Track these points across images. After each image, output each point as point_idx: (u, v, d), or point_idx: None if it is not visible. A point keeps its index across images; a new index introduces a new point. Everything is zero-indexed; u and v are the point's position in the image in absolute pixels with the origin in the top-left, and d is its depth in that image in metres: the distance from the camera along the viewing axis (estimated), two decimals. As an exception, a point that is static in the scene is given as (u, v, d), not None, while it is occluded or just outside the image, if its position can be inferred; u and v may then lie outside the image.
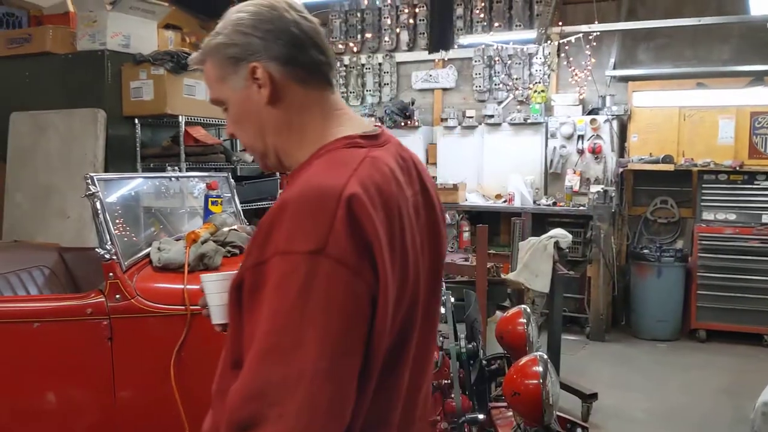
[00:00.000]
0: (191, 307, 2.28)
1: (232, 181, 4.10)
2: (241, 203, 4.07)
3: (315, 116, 1.29)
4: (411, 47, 8.74)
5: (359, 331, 1.08)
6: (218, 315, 1.63)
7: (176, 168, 4.46)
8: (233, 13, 1.29)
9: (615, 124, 7.39)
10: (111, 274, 2.81)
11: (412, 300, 1.21)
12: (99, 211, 2.89)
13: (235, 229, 2.89)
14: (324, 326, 1.04)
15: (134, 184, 3.66)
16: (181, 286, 2.76)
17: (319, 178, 1.14)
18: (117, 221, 3.01)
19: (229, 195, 3.93)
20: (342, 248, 1.06)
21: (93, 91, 4.66)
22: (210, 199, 3.56)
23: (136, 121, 4.65)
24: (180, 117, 4.59)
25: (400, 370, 1.23)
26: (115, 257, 2.84)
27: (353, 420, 1.09)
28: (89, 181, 2.93)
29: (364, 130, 1.29)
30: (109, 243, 2.84)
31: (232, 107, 1.31)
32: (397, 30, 8.73)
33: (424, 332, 1.31)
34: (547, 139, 7.65)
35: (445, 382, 2.72)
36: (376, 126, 1.35)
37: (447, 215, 7.58)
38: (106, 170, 4.40)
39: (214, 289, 1.66)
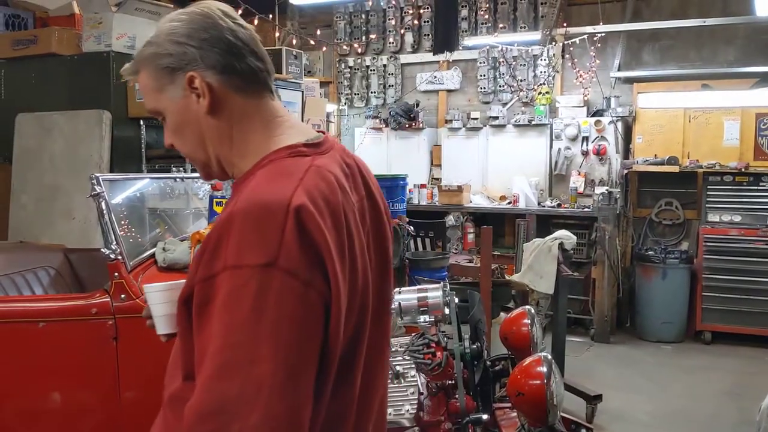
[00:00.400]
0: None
1: (236, 182, 4.10)
2: (245, 204, 4.06)
3: (256, 124, 1.28)
4: (415, 49, 8.75)
5: (314, 341, 1.08)
6: (163, 325, 1.61)
7: (181, 169, 4.47)
8: (166, 22, 1.27)
9: (620, 125, 7.39)
10: (116, 274, 2.82)
11: (361, 305, 1.21)
12: (104, 212, 2.91)
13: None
14: (279, 339, 1.04)
15: (139, 185, 3.67)
16: (186, 287, 2.76)
17: (265, 189, 1.13)
18: (122, 222, 3.03)
19: (234, 196, 3.93)
20: (293, 260, 1.06)
21: (98, 93, 4.67)
22: (215, 200, 3.57)
23: (141, 122, 4.65)
24: (185, 118, 4.60)
25: (352, 376, 1.24)
26: (120, 257, 2.85)
27: (310, 428, 1.09)
28: (94, 181, 2.94)
29: (307, 138, 1.28)
30: (115, 243, 2.85)
31: (171, 117, 1.29)
32: (402, 31, 8.73)
33: (376, 337, 1.32)
34: (551, 140, 7.65)
35: (449, 382, 2.72)
36: (319, 132, 1.34)
37: (451, 216, 7.59)
38: (111, 171, 4.41)
39: (159, 300, 1.63)
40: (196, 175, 4.30)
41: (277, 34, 7.83)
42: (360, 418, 1.29)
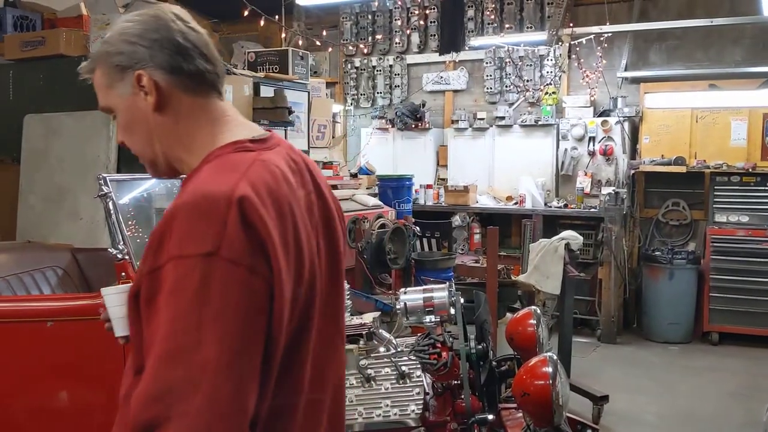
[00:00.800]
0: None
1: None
2: (252, 204, 4.07)
3: (202, 123, 1.32)
4: (422, 49, 8.75)
5: (257, 327, 1.11)
6: (121, 327, 1.61)
7: (188, 169, 4.48)
8: (121, 23, 1.32)
9: (626, 125, 7.37)
10: (123, 273, 2.84)
11: (308, 296, 1.25)
12: (111, 212, 2.92)
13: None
14: (222, 324, 1.06)
15: (146, 185, 3.68)
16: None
17: (209, 183, 1.16)
18: (129, 222, 3.04)
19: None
20: (236, 249, 1.09)
21: (106, 93, 4.69)
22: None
23: (149, 123, 4.66)
24: (192, 119, 4.61)
25: (300, 368, 1.26)
26: (127, 257, 2.86)
27: (256, 413, 1.12)
28: (102, 182, 2.96)
29: (253, 135, 1.31)
30: (122, 243, 2.87)
31: (120, 115, 1.34)
32: (408, 32, 8.74)
33: (328, 330, 1.35)
34: (558, 140, 7.64)
35: (455, 382, 2.72)
36: (267, 131, 1.37)
37: (458, 217, 7.59)
38: (118, 172, 4.42)
39: (116, 302, 1.64)
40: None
41: (283, 35, 7.85)
42: (312, 409, 1.32)
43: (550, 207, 7.46)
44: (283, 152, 1.33)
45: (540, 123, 7.70)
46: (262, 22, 6.58)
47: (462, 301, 2.97)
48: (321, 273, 1.31)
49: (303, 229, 1.24)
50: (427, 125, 8.39)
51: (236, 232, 1.09)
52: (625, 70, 7.61)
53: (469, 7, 8.22)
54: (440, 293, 2.92)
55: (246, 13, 6.04)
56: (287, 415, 1.26)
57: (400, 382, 2.56)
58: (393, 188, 6.94)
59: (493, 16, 8.13)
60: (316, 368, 1.31)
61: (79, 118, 4.70)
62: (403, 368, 2.58)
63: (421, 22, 8.65)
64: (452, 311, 2.90)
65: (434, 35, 8.58)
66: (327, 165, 6.45)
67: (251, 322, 1.10)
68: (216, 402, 1.04)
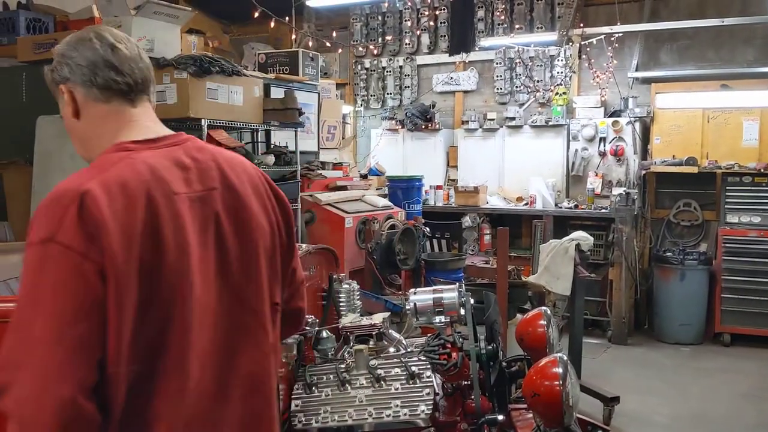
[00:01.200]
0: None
1: (253, 183, 4.13)
2: (262, 205, 4.10)
3: (108, 128, 1.50)
4: (432, 50, 8.75)
5: (88, 306, 1.26)
6: None
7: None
8: (60, 44, 1.54)
9: (637, 126, 7.35)
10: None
11: (173, 285, 1.36)
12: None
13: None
14: (53, 301, 1.24)
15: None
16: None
17: (68, 180, 1.35)
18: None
19: (251, 197, 3.96)
20: (69, 235, 1.26)
21: (117, 95, 4.72)
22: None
23: (160, 124, 4.69)
24: (203, 120, 4.64)
25: (179, 349, 1.37)
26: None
27: (113, 380, 1.27)
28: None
29: (146, 136, 1.49)
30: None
31: (64, 122, 1.56)
32: (418, 33, 8.74)
33: (240, 316, 1.50)
34: (568, 141, 7.62)
35: (465, 383, 2.73)
36: (174, 133, 1.53)
37: (468, 217, 7.58)
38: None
39: None
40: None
41: (293, 37, 7.87)
42: (203, 410, 1.42)
43: (561, 208, 7.44)
44: (176, 152, 1.48)
45: (550, 123, 7.69)
46: (272, 24, 6.60)
47: (472, 301, 2.97)
48: (210, 266, 1.44)
49: (170, 220, 1.37)
50: (437, 126, 8.39)
51: (72, 222, 1.26)
52: (636, 70, 7.58)
53: (479, 7, 8.22)
54: (450, 294, 2.92)
55: (256, 14, 6.07)
56: (169, 410, 1.36)
57: (410, 382, 2.57)
58: (403, 189, 6.95)
59: (503, 17, 8.12)
60: (220, 352, 1.45)
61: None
62: (413, 368, 2.58)
63: (431, 23, 8.65)
64: (462, 312, 2.90)
65: (444, 36, 8.58)
66: (337, 166, 6.47)
67: (81, 299, 1.25)
68: (45, 370, 1.21)
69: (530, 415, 2.69)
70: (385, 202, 6.13)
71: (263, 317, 1.56)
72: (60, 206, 1.29)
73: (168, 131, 1.54)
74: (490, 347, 2.74)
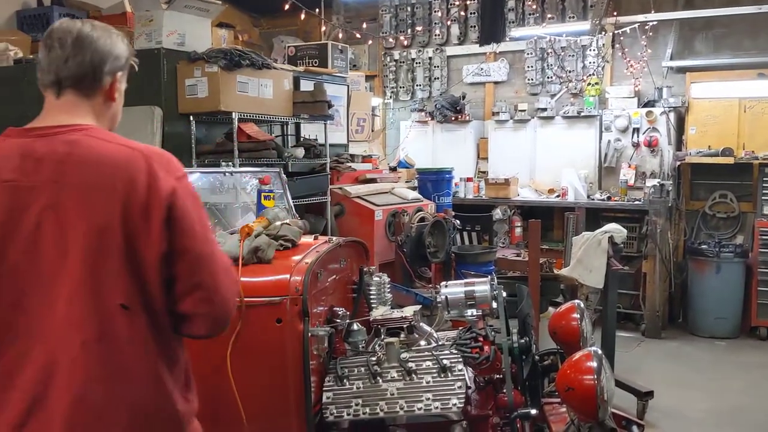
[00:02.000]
0: (245, 299, 2.34)
1: (284, 176, 4.15)
2: (292, 198, 4.12)
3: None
4: (462, 41, 8.69)
5: None
6: None
7: (230, 164, 4.53)
8: None
9: (672, 116, 7.23)
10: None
11: None
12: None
13: (287, 223, 2.92)
14: None
15: (190, 179, 3.72)
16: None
17: None
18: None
19: (281, 190, 3.98)
20: None
21: (149, 89, 4.75)
22: (263, 194, 3.61)
23: (192, 118, 4.73)
24: (233, 114, 4.65)
25: None
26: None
27: None
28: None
29: (34, 125, 1.66)
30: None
31: None
32: (448, 23, 8.68)
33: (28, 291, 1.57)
34: (601, 132, 7.52)
35: (497, 376, 2.71)
36: (68, 124, 1.64)
37: (498, 210, 7.53)
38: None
39: None
40: (245, 169, 4.37)
41: (323, 29, 7.87)
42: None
43: (593, 200, 7.36)
44: (38, 142, 1.60)
45: (582, 114, 7.59)
46: (302, 16, 6.61)
47: (504, 294, 2.94)
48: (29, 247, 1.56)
49: None
50: (467, 117, 8.34)
51: None
52: (671, 59, 7.45)
53: (509, -3, 8.13)
54: (482, 287, 2.90)
55: (287, 7, 6.08)
56: None
57: (442, 375, 2.55)
58: (432, 181, 6.93)
59: (534, 6, 8.03)
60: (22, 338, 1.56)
61: (124, 114, 4.78)
62: (445, 362, 2.57)
63: (461, 13, 8.59)
64: (494, 305, 2.88)
65: (474, 26, 8.51)
66: (366, 158, 6.46)
67: None
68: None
69: (563, 409, 2.66)
70: (415, 194, 6.11)
71: (65, 304, 1.56)
72: None
73: (67, 122, 1.64)
74: (523, 341, 2.71)
